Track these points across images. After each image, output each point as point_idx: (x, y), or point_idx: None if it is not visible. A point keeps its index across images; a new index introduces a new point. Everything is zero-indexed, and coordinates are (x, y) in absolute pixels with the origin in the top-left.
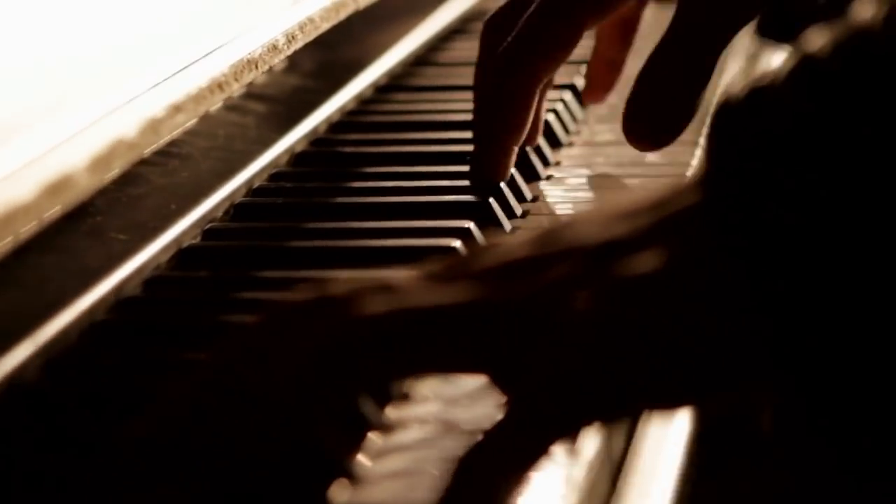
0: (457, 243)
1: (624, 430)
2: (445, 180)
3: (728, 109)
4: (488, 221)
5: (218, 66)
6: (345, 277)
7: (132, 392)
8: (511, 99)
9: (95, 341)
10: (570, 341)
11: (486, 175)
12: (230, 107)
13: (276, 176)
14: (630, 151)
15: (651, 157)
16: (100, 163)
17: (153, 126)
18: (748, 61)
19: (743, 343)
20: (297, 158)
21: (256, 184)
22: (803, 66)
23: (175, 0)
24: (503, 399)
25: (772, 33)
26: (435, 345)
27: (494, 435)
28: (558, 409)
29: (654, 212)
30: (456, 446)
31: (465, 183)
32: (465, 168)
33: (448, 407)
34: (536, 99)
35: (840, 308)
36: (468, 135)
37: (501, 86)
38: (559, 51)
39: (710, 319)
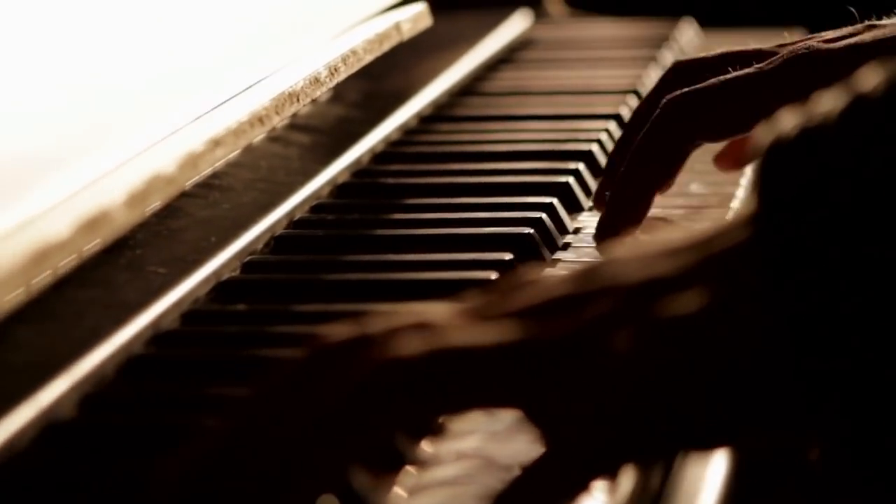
0: (495, 275)
1: (661, 466)
2: (486, 212)
3: (780, 150)
4: (529, 253)
5: (259, 99)
6: (382, 314)
7: (168, 428)
8: (670, 155)
9: (132, 376)
10: (609, 380)
11: (622, 219)
12: (273, 138)
13: (317, 208)
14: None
15: (695, 187)
16: (137, 198)
17: (192, 160)
18: None
19: (787, 386)
20: (339, 190)
21: (298, 216)
22: (856, 107)
23: (219, 32)
24: (539, 436)
25: None
26: (473, 384)
27: (532, 471)
28: (597, 447)
29: (698, 250)
30: (493, 482)
31: (506, 214)
32: (507, 199)
33: (486, 442)
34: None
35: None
36: (510, 165)
37: (665, 141)
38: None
39: (755, 362)
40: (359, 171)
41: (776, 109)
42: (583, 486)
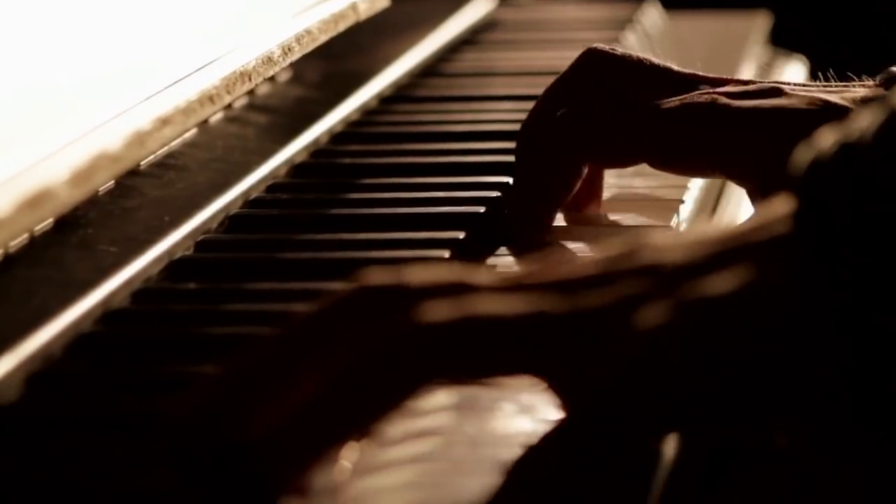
0: (447, 255)
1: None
2: (441, 191)
3: (820, 166)
4: (481, 232)
5: (210, 79)
6: (420, 265)
7: (116, 408)
8: (559, 168)
9: (80, 355)
10: (636, 354)
11: (526, 236)
12: (231, 118)
13: (273, 187)
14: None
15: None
16: (82, 176)
17: (139, 139)
18: (761, 69)
19: (817, 373)
20: (296, 170)
21: (253, 195)
22: (891, 123)
23: (175, 16)
24: (560, 406)
25: (785, 43)
26: (500, 350)
27: (550, 441)
28: (616, 419)
29: (736, 240)
30: (464, 457)
31: (461, 194)
32: (462, 178)
33: (451, 419)
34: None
35: None
36: (469, 145)
37: (554, 157)
38: (615, 160)
39: (788, 345)
40: (316, 152)
41: (658, 152)
42: (598, 457)
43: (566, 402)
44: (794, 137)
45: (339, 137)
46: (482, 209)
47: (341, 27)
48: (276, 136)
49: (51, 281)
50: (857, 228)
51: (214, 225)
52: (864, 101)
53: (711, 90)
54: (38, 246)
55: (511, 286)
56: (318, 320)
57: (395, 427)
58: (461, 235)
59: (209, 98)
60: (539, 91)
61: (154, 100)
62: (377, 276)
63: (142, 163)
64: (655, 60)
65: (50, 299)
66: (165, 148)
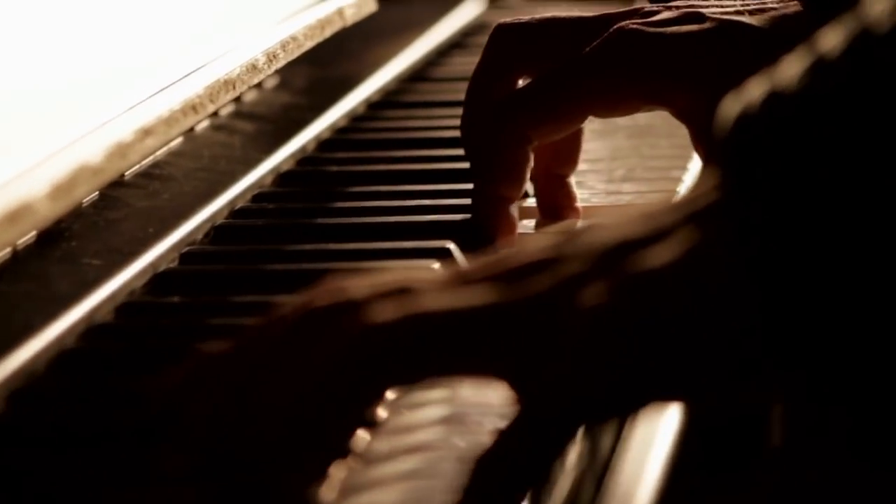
0: (436, 265)
1: (612, 429)
2: (429, 199)
3: (747, 117)
4: (471, 241)
5: (193, 87)
6: (362, 275)
7: (100, 424)
8: (505, 157)
9: (63, 371)
10: (580, 335)
11: (486, 230)
12: (218, 126)
13: (259, 197)
14: (621, 165)
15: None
16: (62, 189)
17: (121, 151)
18: None
19: (752, 340)
20: (282, 178)
21: (239, 205)
22: (816, 70)
23: (160, 24)
24: (514, 398)
25: None
26: (448, 348)
27: (507, 434)
28: (567, 404)
29: (670, 212)
30: (463, 447)
31: (449, 201)
32: (451, 186)
33: (440, 434)
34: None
35: (853, 306)
36: (459, 152)
37: (495, 142)
38: (556, 123)
39: (722, 314)
40: (303, 160)
41: (605, 94)
42: (556, 445)
43: (517, 392)
44: (721, 69)
45: (326, 144)
46: (471, 216)
47: (328, 33)
48: (262, 144)
49: (33, 296)
50: (781, 195)
51: (200, 236)
52: (785, 21)
53: (630, 21)
54: (20, 261)
55: (455, 281)
56: (264, 341)
57: (383, 443)
58: (450, 245)
59: (192, 107)
60: None
61: (136, 110)
62: (320, 290)
63: (126, 173)
64: (563, 14)
65: (32, 315)
66: (150, 158)
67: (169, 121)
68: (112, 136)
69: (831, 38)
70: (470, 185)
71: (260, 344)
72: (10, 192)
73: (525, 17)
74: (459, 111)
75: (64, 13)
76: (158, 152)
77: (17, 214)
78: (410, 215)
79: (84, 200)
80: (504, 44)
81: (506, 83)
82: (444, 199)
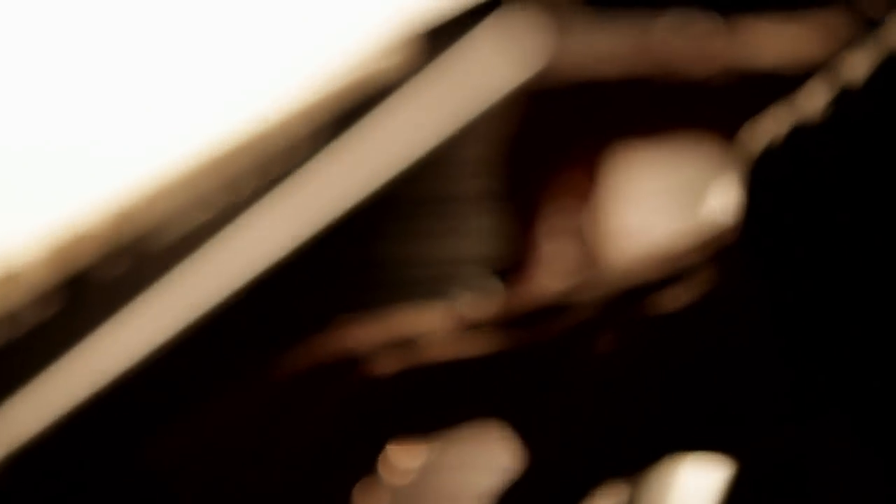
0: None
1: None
2: None
3: (771, 153)
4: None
5: None
6: (364, 327)
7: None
8: None
9: None
10: (592, 385)
11: None
12: None
13: None
14: None
15: None
16: None
17: None
18: None
19: (777, 385)
20: None
21: None
22: (842, 100)
23: None
24: (521, 451)
25: None
26: (452, 399)
27: (515, 489)
28: (580, 460)
29: (689, 254)
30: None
31: None
32: None
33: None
34: None
35: (879, 347)
36: None
37: None
38: None
39: (741, 357)
40: None
41: None
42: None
43: (526, 445)
44: None
45: None
46: None
47: None
48: None
49: None
50: (807, 234)
51: None
52: None
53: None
54: None
55: (462, 328)
56: (270, 394)
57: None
58: None
59: None
60: None
61: None
62: (326, 341)
63: None
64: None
65: None
66: None
67: None
68: None
69: (856, 66)
70: None
71: (265, 399)
72: None
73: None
74: None
75: None
76: None
77: None
78: None
79: None
80: None
81: None
82: None
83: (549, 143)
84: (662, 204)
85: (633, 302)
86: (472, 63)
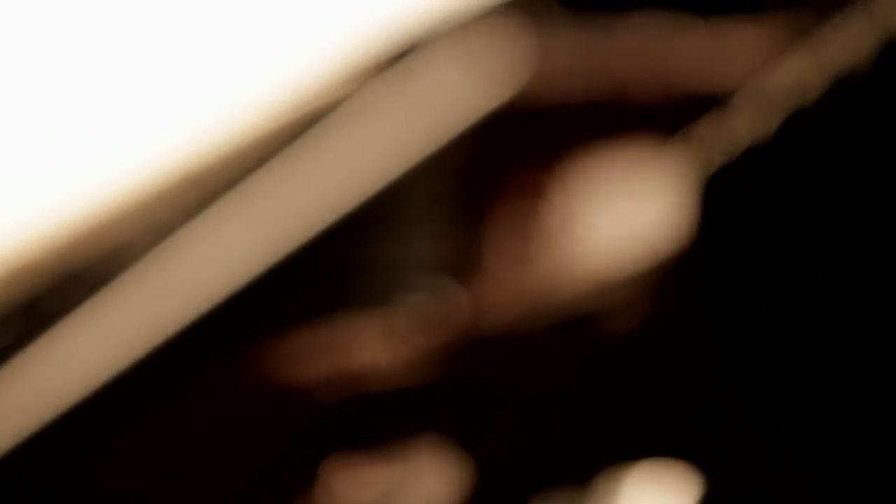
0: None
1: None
2: None
3: (725, 170)
4: None
5: None
6: (305, 348)
7: None
8: None
9: None
10: (544, 403)
11: None
12: None
13: None
14: None
15: None
16: None
17: None
18: None
19: (720, 403)
20: None
21: None
22: (795, 120)
23: None
24: (468, 468)
25: None
26: (399, 425)
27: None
28: (530, 473)
29: (634, 274)
30: None
31: None
32: None
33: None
34: None
35: (818, 372)
36: None
37: None
38: None
39: (689, 374)
40: None
41: None
42: None
43: (474, 466)
44: None
45: None
46: None
47: None
48: None
49: None
50: (745, 256)
51: None
52: None
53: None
54: None
55: (404, 353)
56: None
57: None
58: None
59: None
60: None
61: None
62: (267, 364)
63: None
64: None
65: None
66: None
67: None
68: None
69: (810, 85)
70: None
71: (210, 414)
72: None
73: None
74: None
75: None
76: None
77: None
78: None
79: None
80: None
81: None
82: None
83: (506, 146)
84: (614, 214)
85: (585, 324)
86: (441, 81)
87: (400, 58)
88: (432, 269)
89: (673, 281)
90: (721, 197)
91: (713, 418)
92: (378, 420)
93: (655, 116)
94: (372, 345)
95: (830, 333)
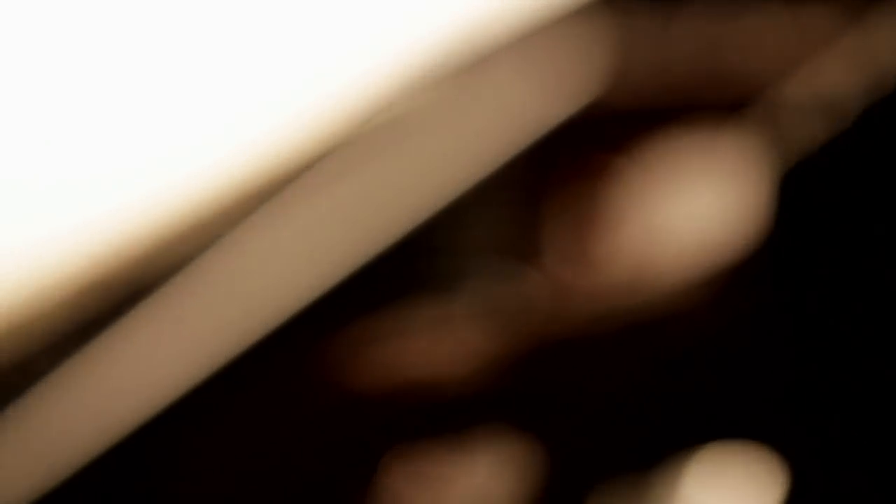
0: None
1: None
2: None
3: (798, 170)
4: None
5: None
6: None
7: None
8: None
9: None
10: (609, 386)
11: None
12: None
13: None
14: None
15: None
16: None
17: None
18: None
19: (779, 391)
20: None
21: None
22: (864, 120)
23: None
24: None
25: None
26: (464, 418)
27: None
28: (595, 459)
29: (705, 273)
30: None
31: None
32: None
33: None
34: None
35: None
36: None
37: None
38: None
39: (749, 363)
40: None
41: None
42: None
43: (541, 451)
44: None
45: None
46: None
47: None
48: None
49: None
50: (822, 252)
51: None
52: None
53: None
54: None
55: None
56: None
57: None
58: None
59: None
60: None
61: None
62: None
63: None
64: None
65: None
66: None
67: None
68: None
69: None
70: None
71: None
72: None
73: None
74: None
75: None
76: None
77: None
78: None
79: None
80: None
81: None
82: None
83: (574, 131)
84: (686, 206)
85: (649, 315)
86: (508, 92)
87: (466, 67)
88: (498, 254)
89: (746, 276)
90: (797, 193)
91: (785, 404)
92: (442, 414)
93: (724, 106)
94: (436, 335)
95: None
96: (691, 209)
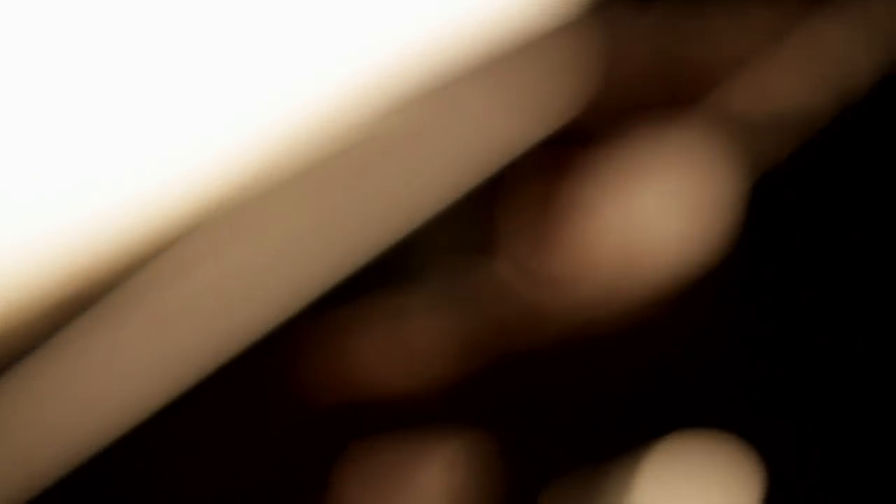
0: None
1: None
2: None
3: (767, 178)
4: None
5: None
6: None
7: None
8: None
9: None
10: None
11: None
12: None
13: None
14: None
15: None
16: None
17: None
18: None
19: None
20: None
21: None
22: (845, 118)
23: None
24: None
25: None
26: (420, 418)
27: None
28: (556, 454)
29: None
30: None
31: None
32: None
33: None
34: None
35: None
36: None
37: None
38: None
39: (708, 361)
40: None
41: None
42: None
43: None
44: None
45: None
46: None
47: None
48: None
49: None
50: (791, 263)
51: None
52: None
53: None
54: None
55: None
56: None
57: None
58: None
59: None
60: None
61: None
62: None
63: None
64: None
65: None
66: None
67: None
68: None
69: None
70: None
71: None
72: None
73: None
74: None
75: None
76: None
77: None
78: None
79: None
80: None
81: None
82: None
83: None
84: (653, 205)
85: (609, 309)
86: (481, 113)
87: (438, 87)
88: (461, 249)
89: (714, 278)
90: (765, 202)
91: (750, 401)
92: (398, 412)
93: (685, 105)
94: (394, 331)
95: (865, 338)
96: (658, 206)
